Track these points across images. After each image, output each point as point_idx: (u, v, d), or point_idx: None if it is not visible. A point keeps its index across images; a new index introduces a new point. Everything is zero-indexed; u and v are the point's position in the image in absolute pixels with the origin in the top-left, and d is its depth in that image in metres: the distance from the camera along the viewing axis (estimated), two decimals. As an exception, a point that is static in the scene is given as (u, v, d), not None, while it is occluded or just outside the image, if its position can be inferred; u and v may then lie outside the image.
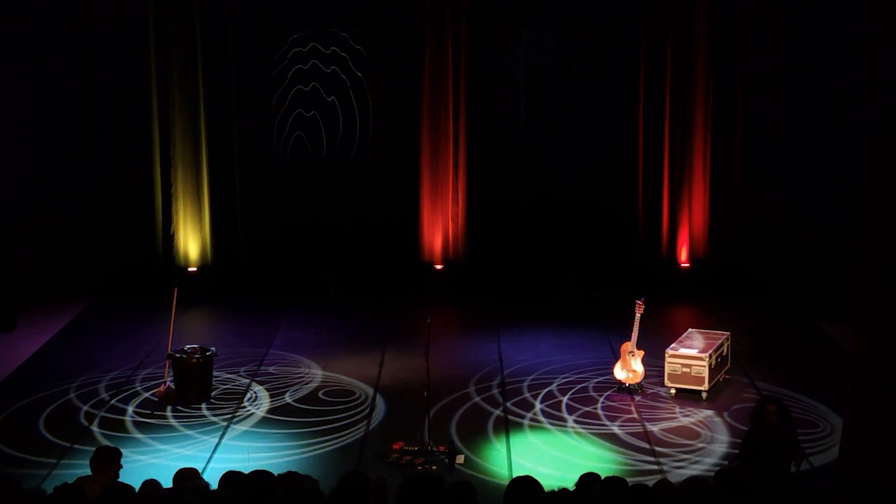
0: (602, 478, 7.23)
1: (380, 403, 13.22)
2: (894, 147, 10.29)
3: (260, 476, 7.19)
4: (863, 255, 10.56)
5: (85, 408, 13.06)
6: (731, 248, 18.05)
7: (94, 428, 12.42)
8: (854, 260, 10.67)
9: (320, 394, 13.52)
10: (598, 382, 13.81)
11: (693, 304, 17.56)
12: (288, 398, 13.36)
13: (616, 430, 12.33)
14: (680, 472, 11.03)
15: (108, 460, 8.57)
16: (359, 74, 18.22)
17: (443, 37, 17.74)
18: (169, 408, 13.00)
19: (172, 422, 12.68)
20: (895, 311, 10.31)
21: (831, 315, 15.94)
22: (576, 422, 12.59)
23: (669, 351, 13.39)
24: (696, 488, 7.46)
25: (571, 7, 18.03)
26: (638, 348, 13.39)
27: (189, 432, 12.36)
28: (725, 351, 13.84)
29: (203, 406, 13.06)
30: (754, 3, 17.55)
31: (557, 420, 12.65)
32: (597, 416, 12.73)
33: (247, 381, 13.99)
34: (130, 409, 13.03)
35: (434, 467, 11.10)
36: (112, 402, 13.23)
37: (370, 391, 13.59)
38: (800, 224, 17.65)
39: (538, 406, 13.04)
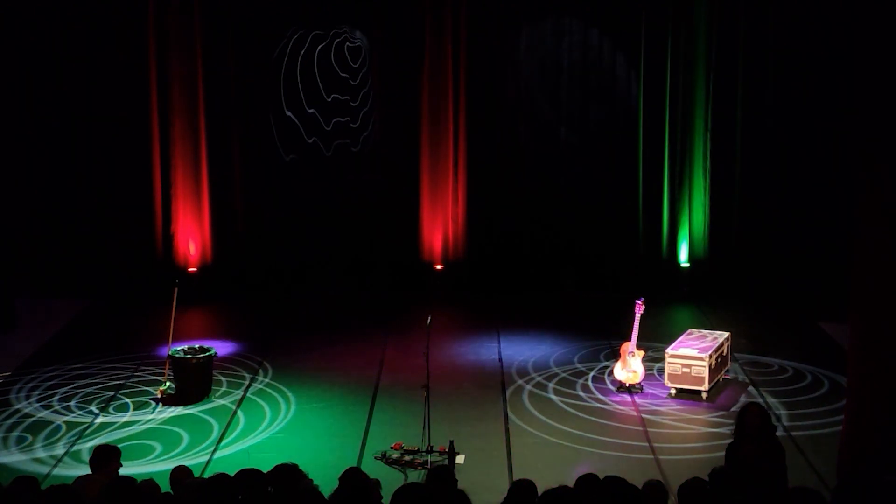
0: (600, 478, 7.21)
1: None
2: (895, 146, 10.28)
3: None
4: (863, 255, 10.55)
5: (83, 408, 13.08)
6: (731, 248, 18.05)
7: (90, 430, 12.44)
8: (854, 260, 10.66)
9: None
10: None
11: (693, 304, 17.56)
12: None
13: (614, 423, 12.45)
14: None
15: (107, 460, 8.57)
16: (359, 74, 18.22)
17: (443, 36, 17.73)
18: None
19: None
20: (895, 311, 10.30)
21: (831, 315, 15.93)
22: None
23: (669, 351, 13.39)
24: (695, 489, 7.43)
25: (571, 6, 18.06)
26: (638, 348, 13.39)
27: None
28: (725, 351, 13.84)
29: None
30: (755, 3, 17.54)
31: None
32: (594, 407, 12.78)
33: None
34: (131, 409, 13.06)
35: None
36: (110, 403, 13.24)
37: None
38: (799, 224, 17.66)
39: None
